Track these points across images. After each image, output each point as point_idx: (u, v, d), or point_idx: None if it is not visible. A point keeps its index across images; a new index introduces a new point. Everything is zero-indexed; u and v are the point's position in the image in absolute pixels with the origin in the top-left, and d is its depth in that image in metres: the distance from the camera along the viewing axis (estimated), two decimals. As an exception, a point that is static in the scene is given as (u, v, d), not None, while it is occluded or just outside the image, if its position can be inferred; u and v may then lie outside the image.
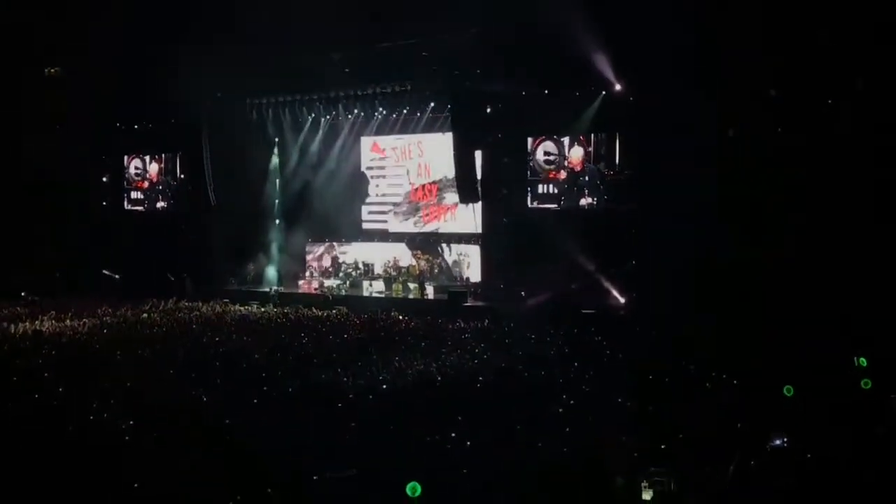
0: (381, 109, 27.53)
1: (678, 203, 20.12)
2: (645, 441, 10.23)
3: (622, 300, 21.95)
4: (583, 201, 23.50)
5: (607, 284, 22.13)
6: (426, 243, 27.84)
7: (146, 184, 31.54)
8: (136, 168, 31.76)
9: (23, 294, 26.40)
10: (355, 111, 28.07)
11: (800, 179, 18.96)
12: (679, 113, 20.16)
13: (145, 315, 23.18)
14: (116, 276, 29.78)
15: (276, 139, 29.57)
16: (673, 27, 19.50)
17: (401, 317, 22.50)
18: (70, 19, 27.26)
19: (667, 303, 19.61)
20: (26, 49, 28.69)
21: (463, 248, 27.03)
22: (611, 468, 9.15)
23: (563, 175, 23.76)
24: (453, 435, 10.90)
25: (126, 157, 31.89)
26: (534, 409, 12.28)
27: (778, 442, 9.65)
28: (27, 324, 21.35)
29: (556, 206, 23.91)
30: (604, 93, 22.32)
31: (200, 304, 25.56)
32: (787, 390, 11.81)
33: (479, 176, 24.45)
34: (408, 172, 28.58)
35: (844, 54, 18.41)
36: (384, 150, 29.05)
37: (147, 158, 31.43)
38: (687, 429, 10.69)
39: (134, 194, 31.86)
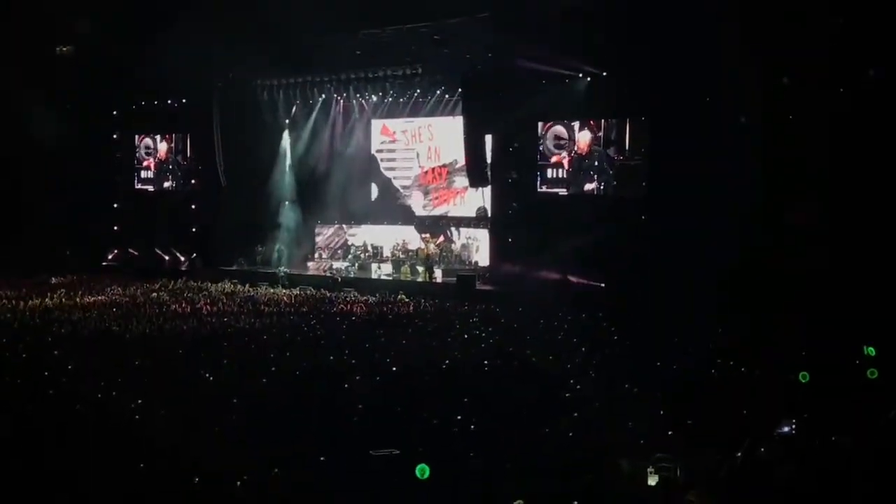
0: (391, 92, 27.49)
1: (687, 190, 20.12)
2: (651, 427, 10.23)
3: (630, 286, 21.86)
4: (590, 185, 23.47)
5: (615, 269, 22.05)
6: (435, 226, 27.84)
7: (156, 163, 31.57)
8: (147, 147, 31.79)
9: (34, 274, 26.40)
10: (366, 94, 28.06)
11: (811, 168, 18.89)
12: (692, 100, 20.11)
13: (154, 294, 23.26)
14: (136, 253, 29.83)
15: (287, 121, 29.56)
16: (687, 12, 19.47)
17: (408, 299, 22.54)
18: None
19: (675, 289, 19.57)
20: (39, 26, 28.68)
21: (472, 231, 27.04)
22: (616, 453, 9.16)
23: (571, 159, 23.71)
24: (459, 418, 10.91)
25: (137, 137, 31.92)
26: (540, 393, 12.30)
27: (786, 429, 9.63)
28: (37, 301, 21.43)
29: (564, 190, 23.89)
30: (615, 77, 22.23)
31: (209, 284, 25.63)
32: (803, 376, 11.81)
33: (488, 160, 24.43)
34: (417, 156, 28.56)
35: (862, 41, 18.29)
36: (394, 132, 29.02)
37: (158, 138, 31.47)
38: (693, 416, 10.69)
39: (144, 173, 31.89)
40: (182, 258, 28.83)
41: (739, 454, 8.92)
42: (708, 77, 19.79)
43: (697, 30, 19.40)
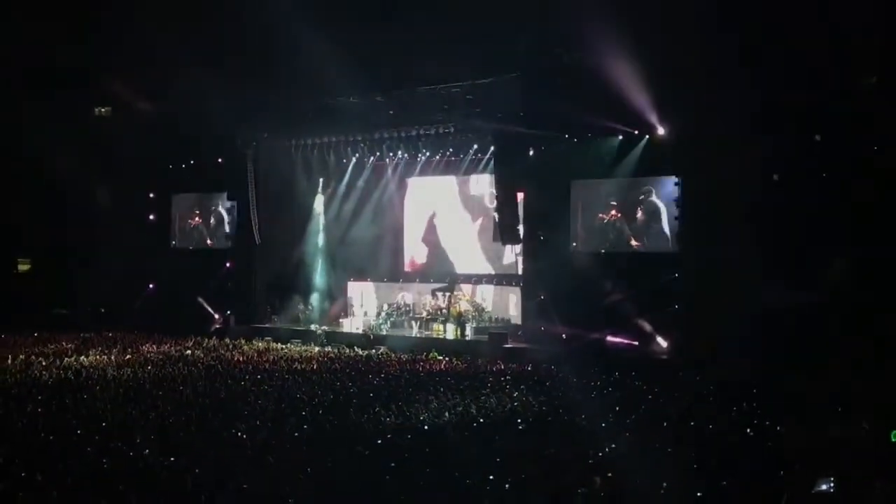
0: (424, 151, 27.72)
1: (721, 246, 20.08)
2: (686, 487, 10.08)
3: (664, 344, 21.74)
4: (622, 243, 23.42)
5: (649, 327, 21.95)
6: (466, 284, 27.83)
7: (192, 222, 31.92)
8: (183, 206, 32.15)
9: (82, 335, 26.55)
10: (399, 152, 28.30)
11: (844, 222, 18.82)
12: (723, 157, 20.12)
13: (188, 352, 23.38)
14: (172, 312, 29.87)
15: (321, 179, 29.88)
16: (718, 71, 19.64)
17: (440, 357, 22.50)
18: (117, 60, 28.00)
19: (710, 347, 19.47)
20: (77, 89, 29.41)
21: (503, 289, 27.00)
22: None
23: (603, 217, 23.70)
24: (491, 477, 10.81)
25: (173, 196, 32.29)
26: (574, 453, 12.16)
27: (824, 487, 9.47)
28: (73, 359, 21.62)
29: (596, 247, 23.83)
30: (647, 136, 22.31)
31: (243, 341, 25.74)
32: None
33: (521, 217, 24.47)
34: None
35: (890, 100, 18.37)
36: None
37: (193, 197, 31.83)
38: (731, 475, 10.53)
39: (180, 232, 32.22)
40: (216, 316, 29.01)
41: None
42: (737, 134, 19.84)
43: (727, 90, 19.57)
